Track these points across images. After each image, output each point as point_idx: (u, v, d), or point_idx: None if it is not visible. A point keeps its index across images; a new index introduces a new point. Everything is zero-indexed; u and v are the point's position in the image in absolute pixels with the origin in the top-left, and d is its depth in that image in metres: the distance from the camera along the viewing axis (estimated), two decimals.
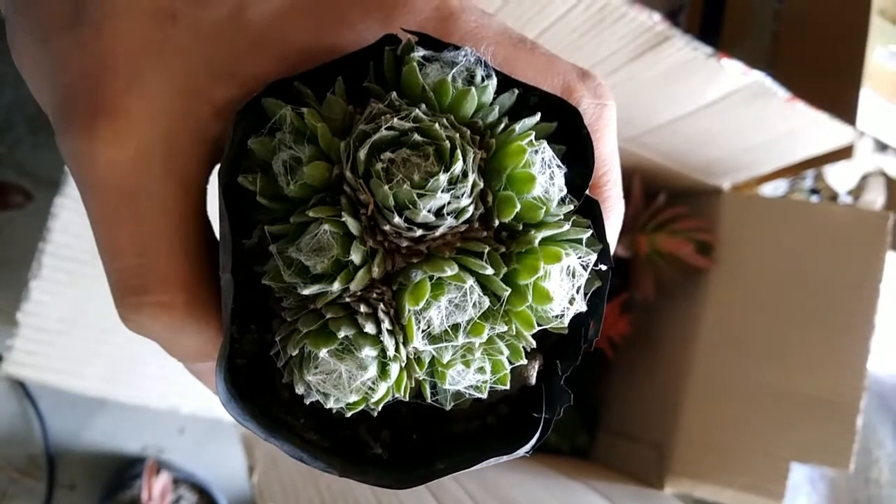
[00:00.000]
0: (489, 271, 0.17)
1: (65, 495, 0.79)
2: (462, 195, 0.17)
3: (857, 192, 1.02)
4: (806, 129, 0.70)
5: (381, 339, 0.17)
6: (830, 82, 0.88)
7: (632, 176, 0.84)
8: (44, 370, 0.62)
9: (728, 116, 0.69)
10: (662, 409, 0.83)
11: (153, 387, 0.62)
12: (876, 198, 1.02)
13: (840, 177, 1.01)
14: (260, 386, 0.19)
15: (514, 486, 0.69)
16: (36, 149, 0.81)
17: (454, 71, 0.17)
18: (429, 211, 0.17)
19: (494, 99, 0.18)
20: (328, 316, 0.17)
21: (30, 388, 0.78)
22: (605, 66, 0.61)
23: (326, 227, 0.16)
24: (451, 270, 0.16)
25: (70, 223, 0.58)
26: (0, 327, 0.67)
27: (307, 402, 0.18)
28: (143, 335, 0.19)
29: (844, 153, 0.79)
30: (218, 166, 0.19)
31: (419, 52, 0.18)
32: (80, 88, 0.18)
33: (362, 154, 0.17)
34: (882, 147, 0.97)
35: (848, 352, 0.74)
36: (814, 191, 1.03)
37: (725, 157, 0.79)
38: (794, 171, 0.86)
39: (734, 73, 0.62)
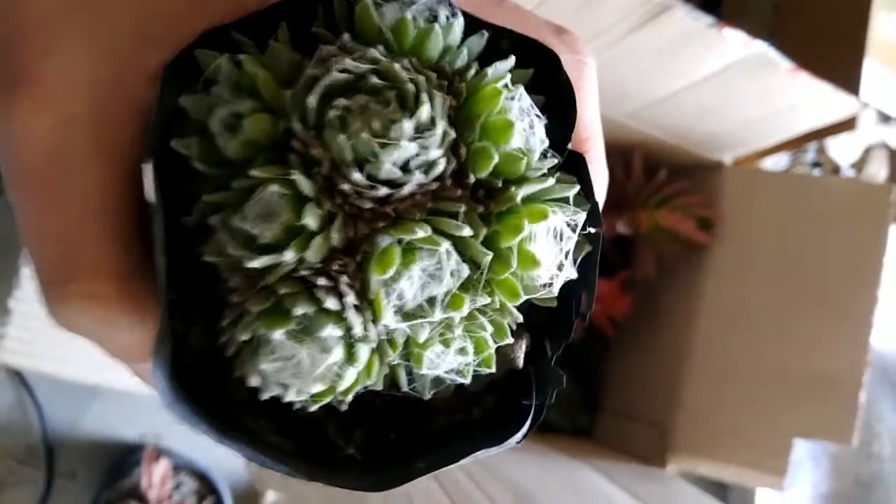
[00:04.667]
0: (467, 232, 0.15)
1: (65, 484, 0.79)
2: (431, 145, 0.14)
3: (859, 165, 1.00)
4: (809, 100, 0.69)
5: (346, 315, 0.15)
6: (833, 53, 0.86)
7: (632, 152, 0.83)
8: (36, 358, 0.61)
9: (729, 88, 0.67)
10: (664, 387, 0.82)
11: None
12: (879, 170, 1.00)
13: (842, 150, 0.99)
14: (210, 385, 0.17)
15: (515, 467, 0.68)
16: None
17: (414, 9, 0.15)
18: (393, 164, 0.14)
19: (462, 42, 0.16)
20: (282, 292, 0.14)
21: (26, 377, 0.78)
22: (603, 40, 0.59)
23: (274, 188, 0.14)
24: (422, 233, 0.14)
25: None
26: None
27: (265, 396, 0.15)
28: (75, 332, 0.17)
29: (847, 125, 0.78)
30: None
31: None
32: None
33: (312, 101, 0.14)
34: (885, 119, 0.95)
35: (850, 326, 0.73)
36: (816, 164, 1.01)
37: (726, 130, 0.78)
38: (796, 144, 0.85)
39: (735, 44, 0.60)
